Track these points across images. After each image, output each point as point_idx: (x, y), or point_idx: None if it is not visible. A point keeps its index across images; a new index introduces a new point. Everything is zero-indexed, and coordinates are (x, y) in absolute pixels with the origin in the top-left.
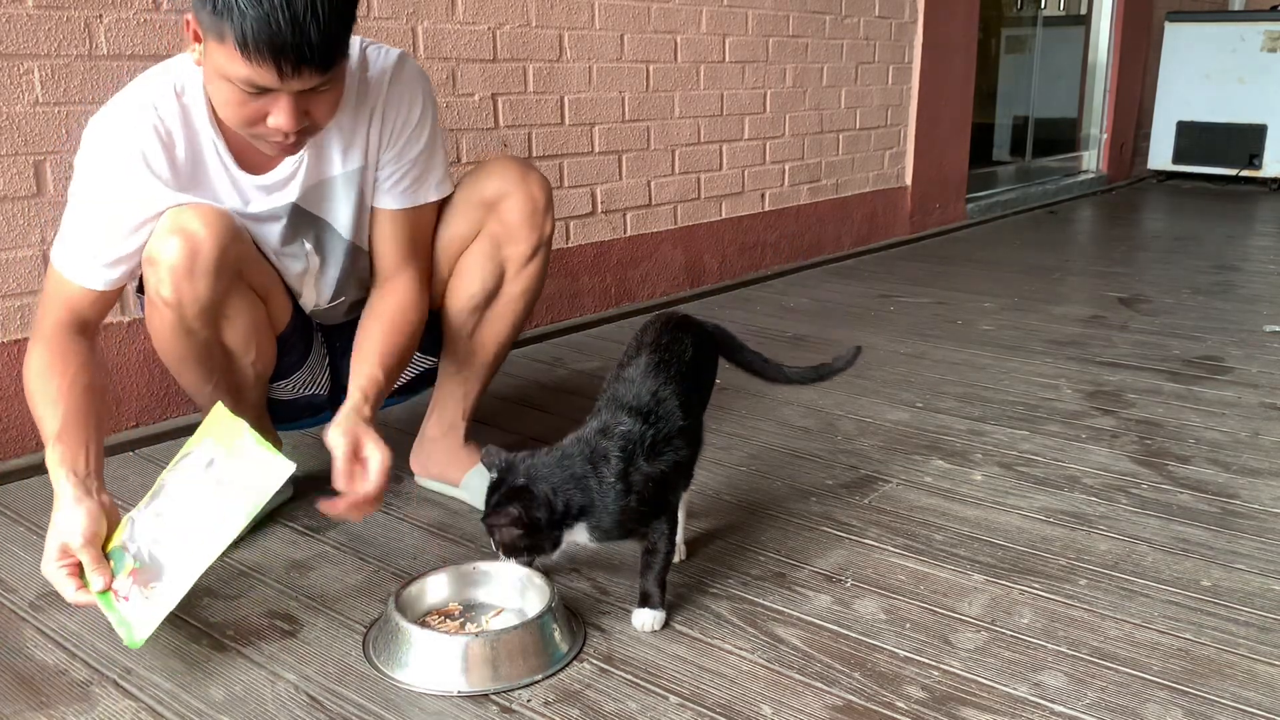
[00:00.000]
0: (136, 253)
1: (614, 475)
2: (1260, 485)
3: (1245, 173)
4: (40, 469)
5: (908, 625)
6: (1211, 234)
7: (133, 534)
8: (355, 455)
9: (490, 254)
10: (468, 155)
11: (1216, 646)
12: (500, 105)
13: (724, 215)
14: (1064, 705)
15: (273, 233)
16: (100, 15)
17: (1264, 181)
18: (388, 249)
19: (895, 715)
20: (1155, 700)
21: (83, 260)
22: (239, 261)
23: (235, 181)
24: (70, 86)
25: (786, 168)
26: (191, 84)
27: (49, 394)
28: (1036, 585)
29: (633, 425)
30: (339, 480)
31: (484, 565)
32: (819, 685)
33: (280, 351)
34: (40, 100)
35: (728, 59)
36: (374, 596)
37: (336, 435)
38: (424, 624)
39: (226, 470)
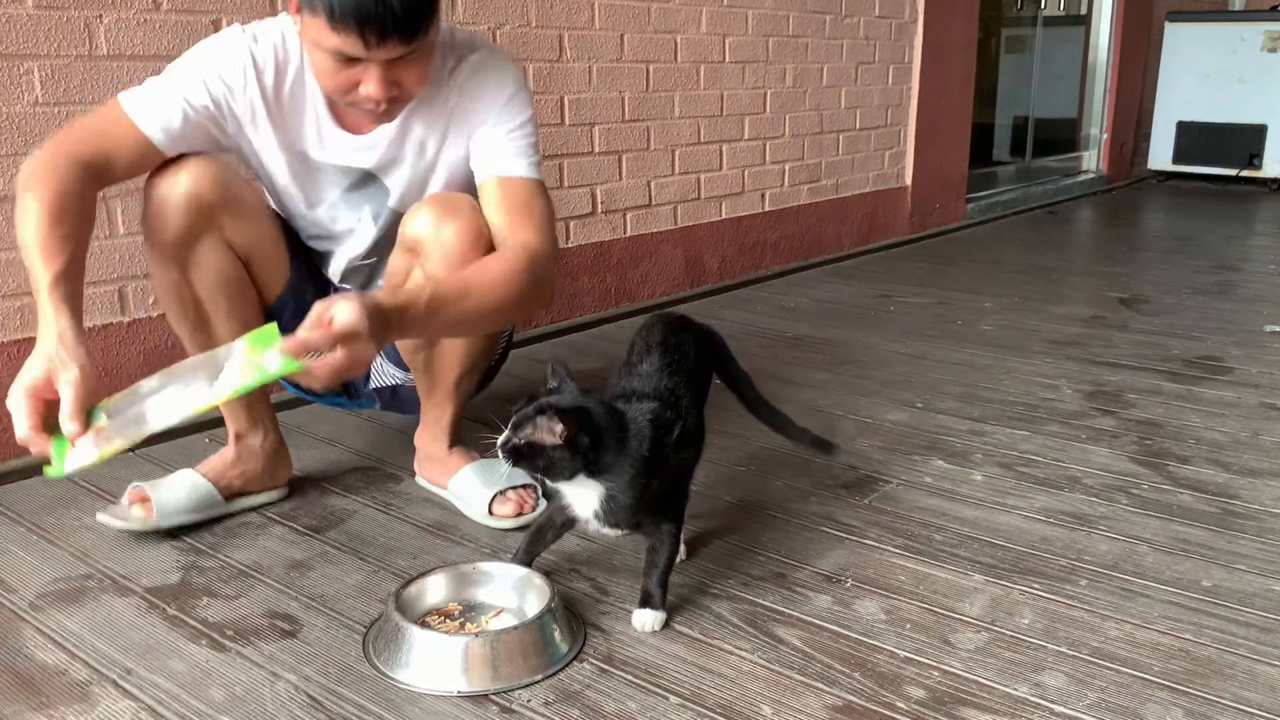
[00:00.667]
0: (193, 137)
1: (646, 449)
2: (1260, 485)
3: (1245, 173)
4: (39, 469)
5: (908, 625)
6: (1211, 234)
7: (121, 404)
8: (320, 318)
9: None
10: None
11: (1217, 647)
12: None
13: (724, 215)
14: (1064, 706)
15: (336, 186)
16: (100, 15)
17: (1264, 181)
18: (494, 218)
19: (895, 715)
20: (1156, 701)
21: (155, 105)
22: (217, 210)
23: (321, 129)
24: (70, 86)
25: (786, 168)
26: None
27: (59, 235)
28: (1037, 585)
29: (664, 411)
30: (298, 337)
31: (484, 565)
32: (819, 685)
33: (270, 317)
34: (40, 100)
35: (728, 59)
36: (374, 596)
37: (318, 303)
38: (424, 624)
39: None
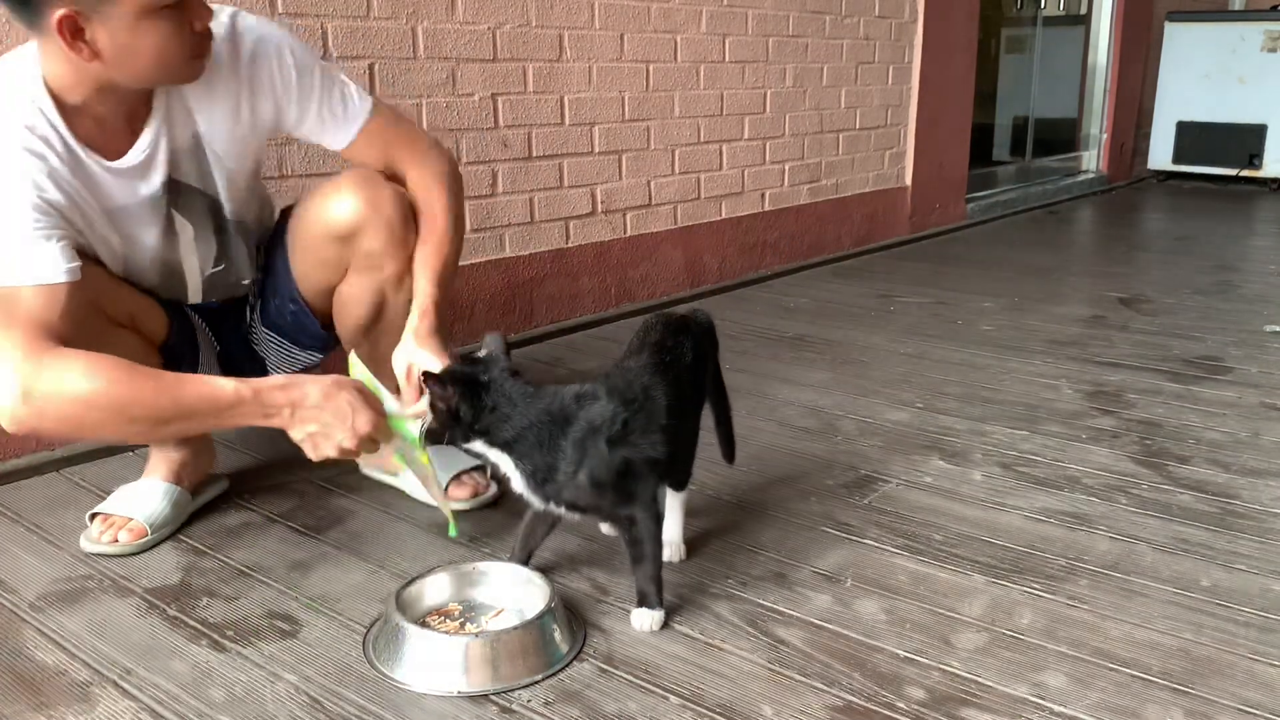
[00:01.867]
0: (73, 248)
1: (569, 441)
2: (1260, 485)
3: (1245, 173)
4: (39, 469)
5: (908, 625)
6: (1211, 234)
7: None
8: (416, 378)
9: (365, 284)
10: (468, 155)
11: (1217, 646)
12: (500, 105)
13: (724, 215)
14: (1064, 705)
15: (150, 218)
16: None
17: (1264, 181)
18: (391, 150)
19: (895, 716)
20: (1155, 700)
21: (32, 255)
22: (89, 312)
23: (100, 170)
24: None
25: (786, 168)
26: (32, 88)
27: (153, 375)
28: (1036, 585)
29: (608, 405)
30: (406, 399)
31: (484, 565)
32: (819, 685)
33: (170, 363)
34: None
35: (728, 59)
36: (374, 596)
37: (397, 360)
38: (424, 624)
39: None
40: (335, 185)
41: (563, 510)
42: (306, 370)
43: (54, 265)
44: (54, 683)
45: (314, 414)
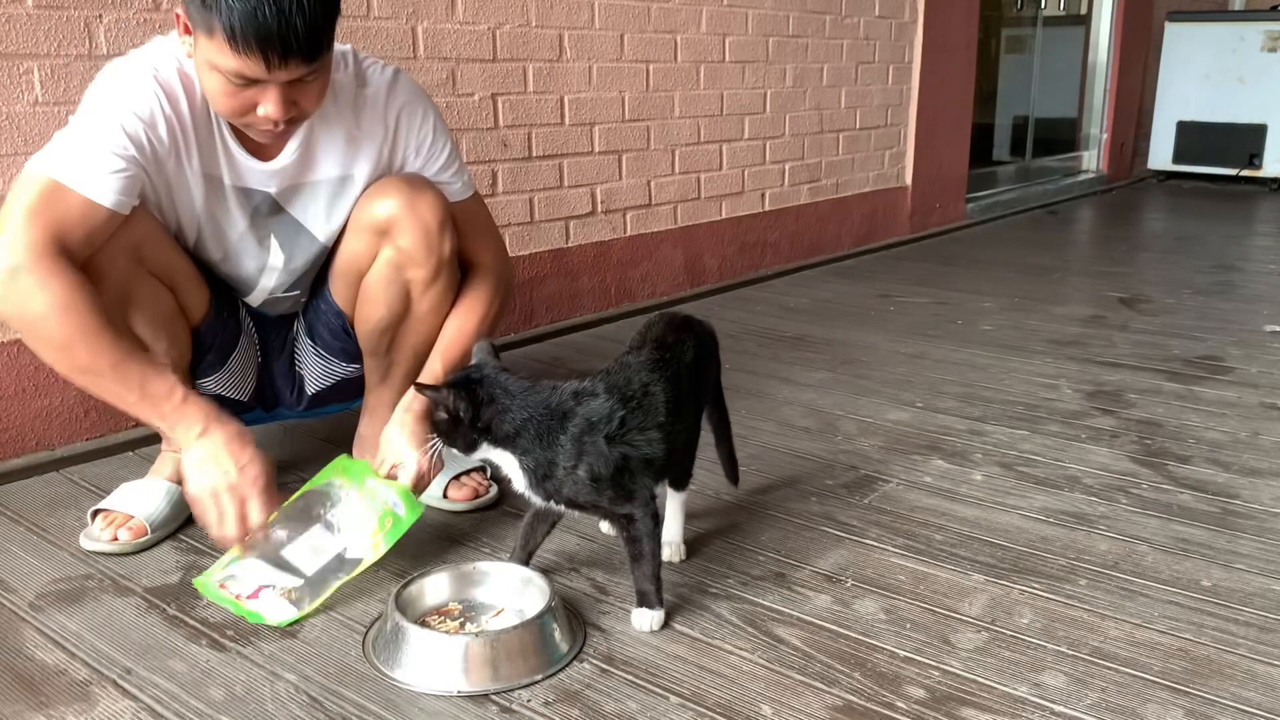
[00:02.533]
0: (134, 188)
1: (567, 436)
2: (1260, 485)
3: (1245, 173)
4: (39, 469)
5: (908, 625)
6: (1211, 234)
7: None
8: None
9: (392, 278)
10: (468, 155)
11: (1217, 646)
12: (500, 105)
13: (724, 215)
14: (1064, 705)
15: (243, 213)
16: (100, 15)
17: (1264, 181)
18: (464, 233)
19: (895, 715)
20: (1155, 700)
21: (97, 171)
22: (136, 243)
23: (229, 152)
24: (70, 86)
25: (786, 168)
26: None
27: (125, 346)
28: (1036, 585)
29: (606, 402)
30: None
31: (484, 565)
32: (819, 685)
33: (198, 348)
34: (40, 100)
35: (728, 59)
36: (374, 596)
37: (384, 445)
38: (424, 624)
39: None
40: (381, 183)
41: (563, 507)
42: (346, 383)
43: (109, 189)
44: (54, 682)
45: (211, 451)
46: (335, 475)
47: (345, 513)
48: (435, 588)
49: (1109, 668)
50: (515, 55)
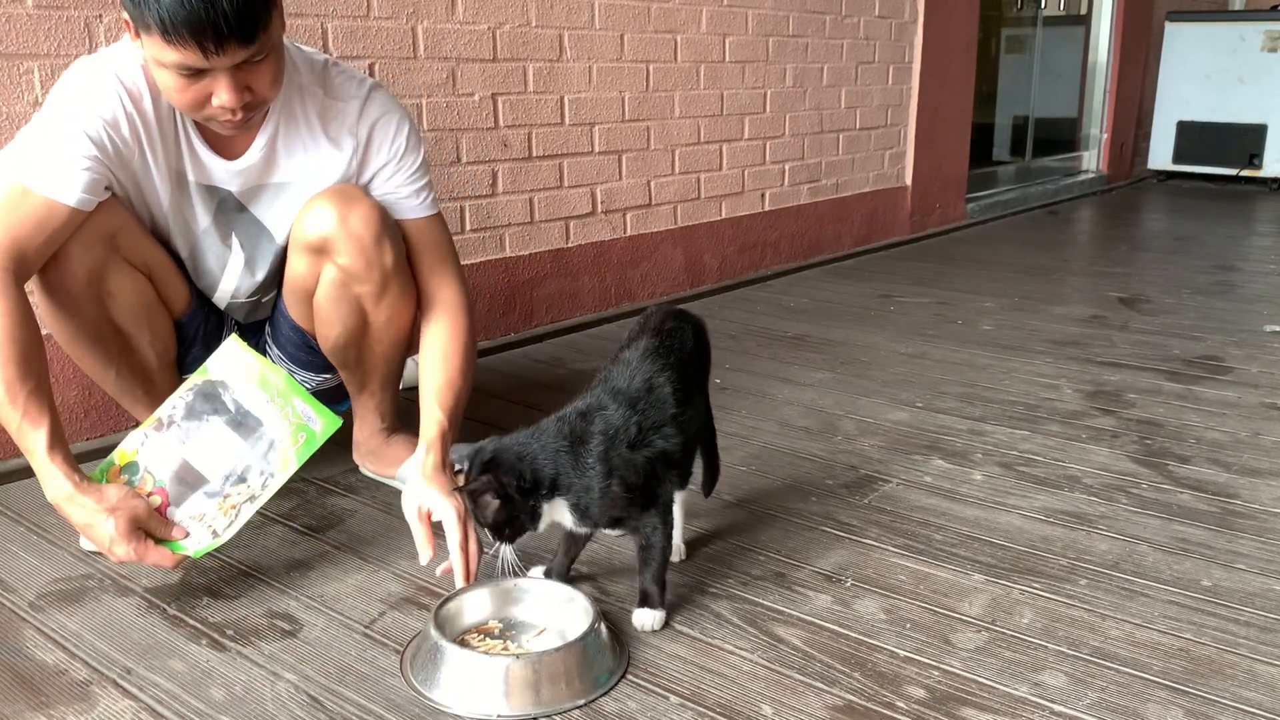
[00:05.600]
0: (100, 186)
1: (594, 457)
2: (1260, 485)
3: (1245, 173)
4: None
5: (908, 625)
6: (1211, 234)
7: (144, 456)
8: (427, 518)
9: (339, 296)
10: (468, 155)
11: (1217, 646)
12: (500, 105)
13: (724, 215)
14: (1064, 705)
15: (204, 213)
16: (100, 15)
17: (1264, 181)
18: (424, 260)
19: (895, 715)
20: (1155, 700)
21: (61, 171)
22: (114, 233)
23: (194, 151)
24: None
25: (786, 168)
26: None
27: (29, 389)
28: (1036, 585)
29: (616, 411)
30: (421, 546)
31: (524, 582)
32: (819, 685)
33: (181, 340)
34: (40, 100)
35: (728, 59)
36: (374, 596)
37: (407, 504)
38: (463, 643)
39: (267, 414)
40: (314, 199)
41: (604, 529)
42: (325, 391)
43: (73, 186)
44: (54, 682)
45: (72, 504)
46: (235, 377)
47: (258, 418)
48: (475, 605)
49: (1109, 668)
50: (515, 55)
